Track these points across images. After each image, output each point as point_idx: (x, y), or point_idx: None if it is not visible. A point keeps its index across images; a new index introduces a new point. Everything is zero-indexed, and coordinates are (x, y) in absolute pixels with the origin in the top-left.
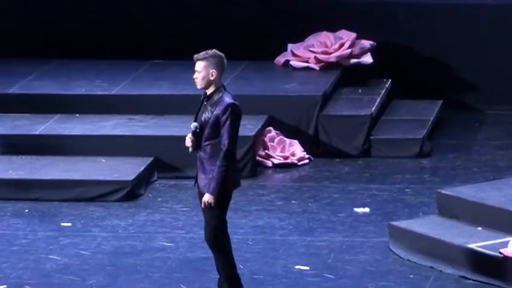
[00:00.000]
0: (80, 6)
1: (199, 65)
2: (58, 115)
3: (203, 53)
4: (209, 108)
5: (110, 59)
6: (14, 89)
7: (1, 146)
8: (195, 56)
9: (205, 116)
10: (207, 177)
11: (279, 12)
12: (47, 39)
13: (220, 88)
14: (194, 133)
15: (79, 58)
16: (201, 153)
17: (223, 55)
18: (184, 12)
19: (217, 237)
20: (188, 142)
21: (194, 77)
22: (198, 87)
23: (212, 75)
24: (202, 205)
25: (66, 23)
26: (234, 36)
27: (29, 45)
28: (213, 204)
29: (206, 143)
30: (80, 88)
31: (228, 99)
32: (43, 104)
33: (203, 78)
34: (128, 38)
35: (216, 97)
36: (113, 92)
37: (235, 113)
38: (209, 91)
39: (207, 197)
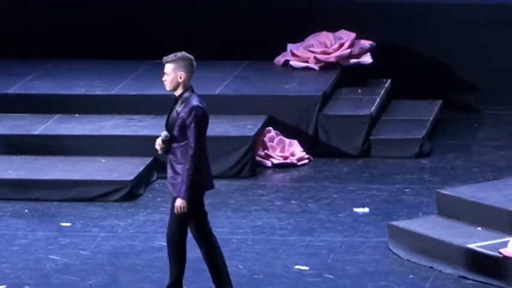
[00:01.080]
0: (80, 6)
1: (168, 68)
2: (58, 115)
3: (172, 55)
4: (177, 110)
5: (109, 59)
6: (14, 89)
7: (1, 146)
8: (164, 58)
9: (173, 118)
10: (177, 180)
11: (279, 12)
12: (46, 39)
13: (188, 90)
14: (164, 141)
15: (78, 58)
16: (171, 156)
17: (192, 57)
18: (184, 12)
19: (175, 237)
20: (157, 146)
21: (163, 79)
22: (167, 89)
23: (181, 77)
24: (175, 210)
25: (66, 23)
26: (234, 36)
27: (29, 45)
28: (185, 209)
29: (175, 145)
30: (80, 88)
31: (193, 102)
32: (43, 104)
33: (171, 80)
34: (128, 38)
35: (183, 99)
36: (112, 92)
37: (198, 116)
38: (177, 93)
39: (179, 202)
